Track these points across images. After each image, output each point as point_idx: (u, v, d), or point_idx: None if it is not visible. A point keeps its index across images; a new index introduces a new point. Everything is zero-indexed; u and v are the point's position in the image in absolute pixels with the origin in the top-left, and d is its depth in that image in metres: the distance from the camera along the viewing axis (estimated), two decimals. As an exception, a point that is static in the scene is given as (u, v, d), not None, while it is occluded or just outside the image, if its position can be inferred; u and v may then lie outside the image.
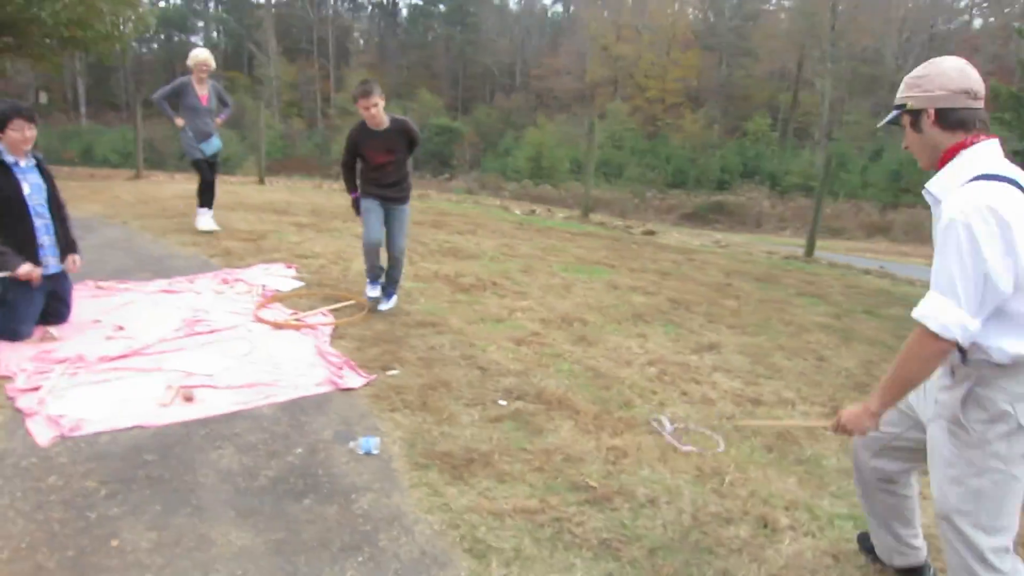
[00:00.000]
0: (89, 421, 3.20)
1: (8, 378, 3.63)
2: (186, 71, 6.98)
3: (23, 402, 3.37)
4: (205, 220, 7.24)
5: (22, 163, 4.21)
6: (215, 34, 64.20)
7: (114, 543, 2.44)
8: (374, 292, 5.01)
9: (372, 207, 4.84)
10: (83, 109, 46.78)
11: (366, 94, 4.56)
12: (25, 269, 4.09)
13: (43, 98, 20.01)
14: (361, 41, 61.63)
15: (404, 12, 62.17)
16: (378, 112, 4.63)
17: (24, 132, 4.14)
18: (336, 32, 55.93)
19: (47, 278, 4.29)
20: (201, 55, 6.92)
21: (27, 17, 12.38)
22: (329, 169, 27.93)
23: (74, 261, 4.40)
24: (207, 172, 7.08)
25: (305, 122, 47.37)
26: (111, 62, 17.03)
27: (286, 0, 63.77)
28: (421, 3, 59.55)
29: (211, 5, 64.07)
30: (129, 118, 47.83)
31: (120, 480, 2.81)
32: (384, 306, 5.01)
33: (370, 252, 4.90)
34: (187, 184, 12.41)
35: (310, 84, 50.34)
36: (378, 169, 4.79)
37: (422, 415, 3.49)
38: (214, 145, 7.01)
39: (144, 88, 53.02)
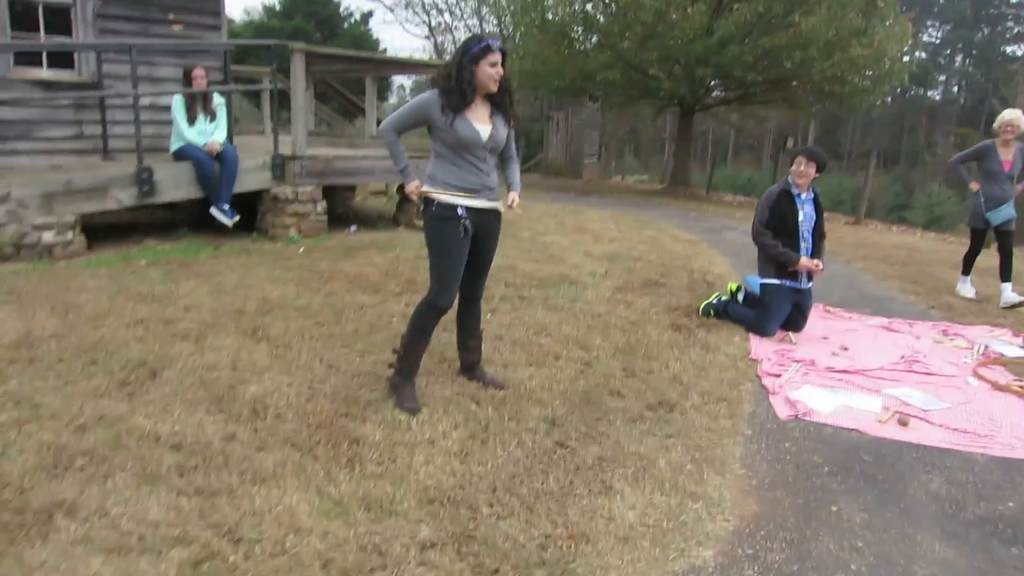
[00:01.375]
0: (817, 413, 3.85)
1: (757, 361, 4.59)
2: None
3: (767, 382, 4.25)
4: (967, 288, 7.00)
5: (803, 195, 5.18)
6: (955, 88, 61.54)
7: (833, 508, 2.98)
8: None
9: None
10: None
11: None
12: (805, 262, 5.08)
13: (790, 143, 22.77)
14: None
15: None
16: None
17: (801, 167, 5.09)
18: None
19: (796, 291, 5.19)
20: (1009, 115, 6.54)
21: (797, 75, 14.33)
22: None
23: (813, 263, 5.18)
24: (980, 242, 6.84)
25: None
26: (859, 113, 18.21)
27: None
28: None
29: (958, 59, 61.56)
30: (848, 167, 49.87)
31: (840, 465, 3.35)
32: None
33: None
34: (905, 236, 12.64)
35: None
36: None
37: None
38: (1004, 214, 6.58)
39: (869, 139, 54.46)
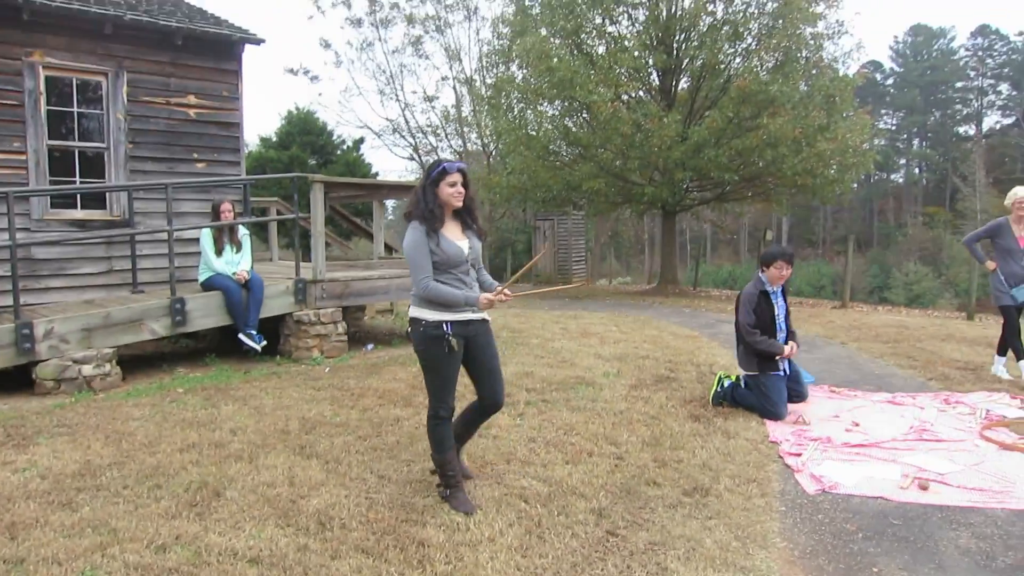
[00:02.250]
0: (842, 485, 4.10)
1: (777, 443, 4.86)
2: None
3: (790, 461, 4.51)
4: (1001, 368, 6.92)
5: (775, 289, 5.62)
6: (916, 170, 64.13)
7: (874, 570, 3.20)
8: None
9: None
10: (784, 244, 52.12)
11: None
12: (787, 350, 5.52)
13: (769, 235, 23.61)
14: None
15: None
16: None
17: (782, 271, 5.52)
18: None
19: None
20: (1021, 192, 6.55)
21: (770, 171, 15.16)
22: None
23: (792, 348, 5.65)
24: (1015, 318, 6.68)
25: None
26: (831, 203, 19.08)
27: (999, 128, 59.70)
28: None
29: (915, 142, 64.48)
30: (824, 253, 51.18)
31: (873, 530, 3.58)
32: None
33: None
34: (891, 315, 13.10)
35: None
36: None
37: None
38: None
39: (842, 226, 56.17)
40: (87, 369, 6.24)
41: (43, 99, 7.63)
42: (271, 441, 4.80)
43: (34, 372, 6.11)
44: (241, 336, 7.13)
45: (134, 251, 7.75)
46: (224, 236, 7.32)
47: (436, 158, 27.72)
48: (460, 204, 3.72)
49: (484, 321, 3.86)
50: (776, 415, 5.42)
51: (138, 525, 3.54)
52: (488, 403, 3.92)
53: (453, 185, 3.67)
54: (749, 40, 15.57)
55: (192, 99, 8.50)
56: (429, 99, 26.92)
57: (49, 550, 3.24)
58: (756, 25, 15.38)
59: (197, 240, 7.72)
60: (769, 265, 5.64)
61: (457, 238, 3.73)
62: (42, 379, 6.09)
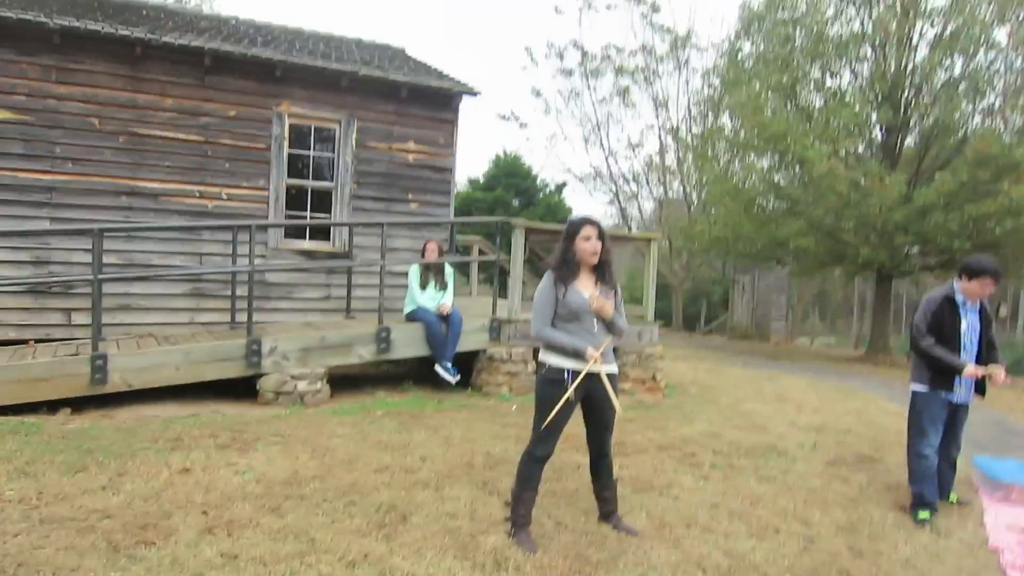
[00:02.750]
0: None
1: (998, 551, 4.30)
2: None
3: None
4: None
5: (968, 303, 4.89)
6: None
7: None
8: None
9: None
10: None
11: None
12: (973, 368, 4.75)
13: (1003, 311, 21.21)
14: None
15: None
16: None
17: (985, 289, 4.76)
18: None
19: (951, 405, 4.94)
20: None
21: (1011, 240, 13.62)
22: None
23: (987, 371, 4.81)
24: None
25: None
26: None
27: None
28: None
29: None
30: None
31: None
32: None
33: None
34: None
35: None
36: None
37: None
38: None
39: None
40: (302, 385, 6.85)
41: (286, 143, 8.61)
42: (456, 472, 4.99)
43: (258, 383, 6.80)
44: (438, 367, 7.50)
45: (350, 281, 8.47)
46: (430, 272, 7.78)
47: (638, 204, 27.80)
48: (595, 260, 3.87)
49: (612, 375, 3.93)
50: (919, 449, 4.84)
51: (333, 539, 3.81)
52: (593, 450, 4.12)
53: (588, 240, 3.82)
54: (992, 98, 14.23)
55: (412, 145, 9.21)
56: (633, 147, 27.00)
57: (258, 550, 3.57)
58: (1001, 83, 14.03)
59: (406, 274, 8.27)
60: (972, 277, 4.79)
61: (585, 289, 3.86)
62: (264, 390, 6.77)
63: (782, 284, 23.63)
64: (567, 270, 3.85)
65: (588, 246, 3.83)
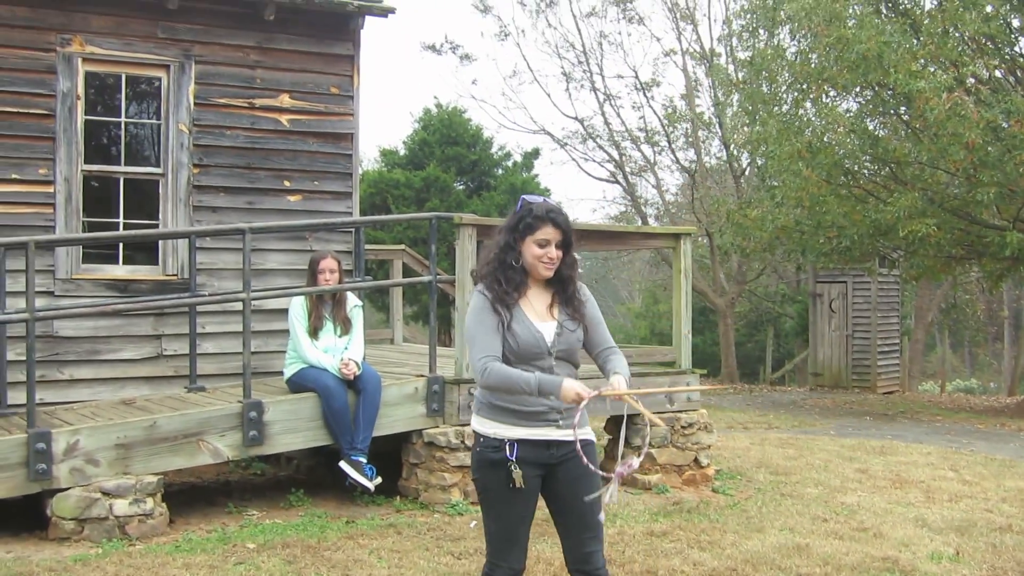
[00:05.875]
0: None
1: None
2: None
3: None
4: None
5: None
6: None
7: None
8: None
9: None
10: None
11: None
12: None
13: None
14: None
15: None
16: None
17: None
18: None
19: None
20: None
21: None
22: None
23: None
24: None
25: None
26: None
27: None
28: None
29: None
30: None
31: None
32: None
33: None
34: None
35: None
36: None
37: None
38: None
39: None
40: (121, 506, 6.73)
41: (81, 106, 8.51)
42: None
43: (49, 506, 6.65)
44: (343, 464, 7.43)
45: (194, 328, 8.34)
46: (324, 308, 7.72)
47: (655, 179, 27.94)
48: (549, 274, 3.89)
49: (587, 443, 3.87)
50: None
51: None
52: (576, 568, 3.96)
53: (543, 246, 3.83)
54: None
55: (286, 99, 9.17)
56: (644, 87, 27.21)
57: None
58: None
59: (285, 313, 8.19)
60: None
61: (540, 318, 3.90)
62: (59, 517, 6.62)
63: (891, 298, 23.93)
64: (507, 286, 3.84)
65: (542, 253, 3.86)
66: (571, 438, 3.78)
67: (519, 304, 3.85)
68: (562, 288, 3.94)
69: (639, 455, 3.80)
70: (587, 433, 3.90)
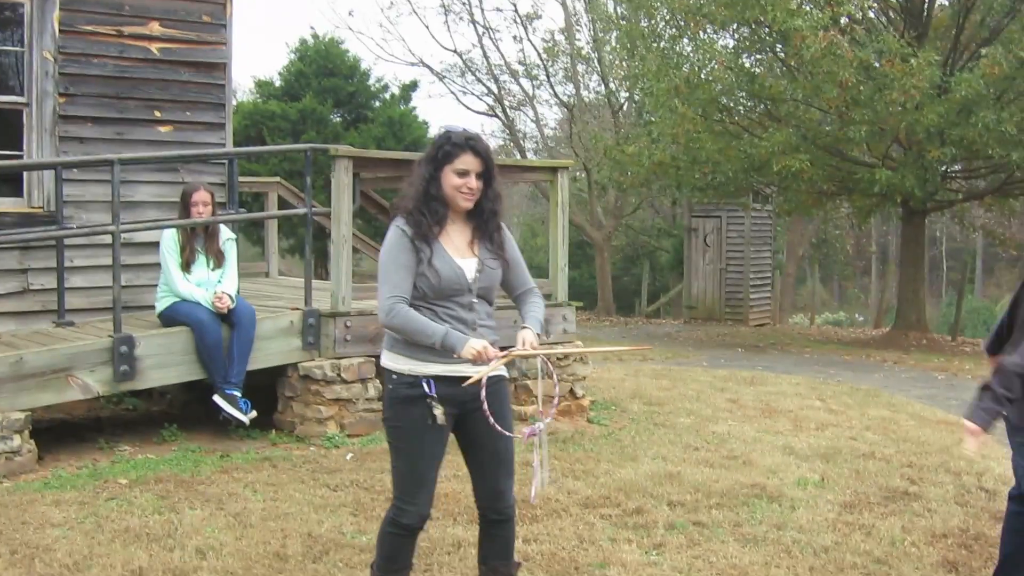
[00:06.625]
0: None
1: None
2: None
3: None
4: None
5: None
6: None
7: None
8: None
9: None
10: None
11: None
12: None
13: None
14: None
15: None
16: None
17: None
18: None
19: None
20: None
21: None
22: None
23: None
24: None
25: None
26: None
27: None
28: None
29: None
30: None
31: None
32: None
33: None
34: None
35: None
36: None
37: None
38: None
39: None
40: (-13, 443, 6.55)
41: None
42: (259, 571, 4.91)
43: (-92, 445, 6.46)
44: (217, 398, 7.35)
45: (61, 261, 8.11)
46: (196, 241, 7.58)
47: (534, 113, 27.86)
48: (469, 205, 3.85)
49: (499, 380, 3.92)
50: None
51: None
52: (486, 506, 4.04)
53: (462, 175, 3.78)
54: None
55: (156, 27, 8.89)
56: (524, 20, 27.13)
57: None
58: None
59: (156, 246, 8.02)
60: None
61: (460, 253, 3.86)
62: (-80, 455, 6.44)
63: (764, 232, 24.41)
64: (430, 218, 3.78)
65: (462, 183, 3.80)
66: (490, 372, 3.73)
67: (439, 239, 3.80)
68: (484, 223, 3.90)
69: (551, 407, 3.97)
70: (500, 369, 3.86)
